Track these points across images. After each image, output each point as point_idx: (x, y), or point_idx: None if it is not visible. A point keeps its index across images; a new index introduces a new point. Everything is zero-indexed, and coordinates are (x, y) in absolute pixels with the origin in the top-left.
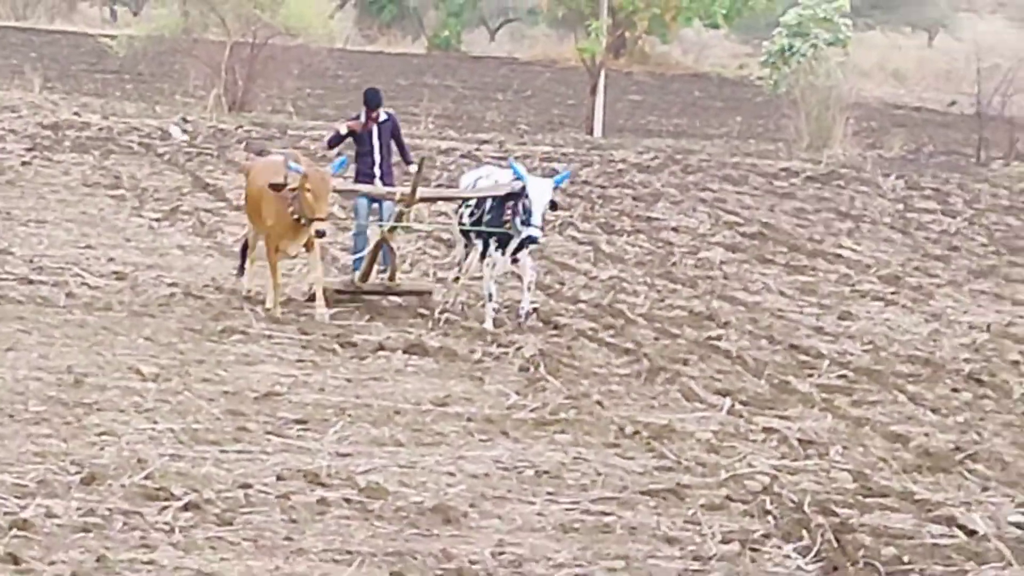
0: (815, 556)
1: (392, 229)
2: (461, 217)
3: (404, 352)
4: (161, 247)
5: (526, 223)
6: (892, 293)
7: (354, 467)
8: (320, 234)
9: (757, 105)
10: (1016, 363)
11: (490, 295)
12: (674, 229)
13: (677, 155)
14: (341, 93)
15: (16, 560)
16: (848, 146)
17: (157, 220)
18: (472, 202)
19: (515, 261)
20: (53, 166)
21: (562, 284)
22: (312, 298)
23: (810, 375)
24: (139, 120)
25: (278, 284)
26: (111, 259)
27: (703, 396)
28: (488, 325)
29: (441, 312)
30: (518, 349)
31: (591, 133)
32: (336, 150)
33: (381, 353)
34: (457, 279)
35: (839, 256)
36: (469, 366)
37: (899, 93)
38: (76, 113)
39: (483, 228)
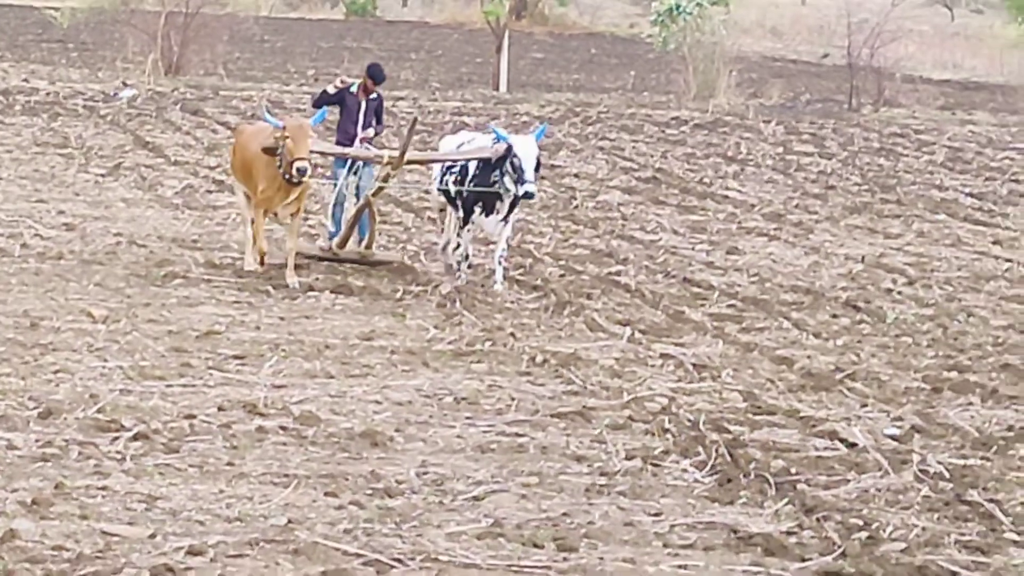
0: (710, 469)
1: (376, 192)
2: (446, 184)
3: (331, 292)
4: (106, 200)
5: (520, 181)
6: (775, 229)
7: (289, 398)
8: (301, 171)
9: (648, 61)
10: (889, 291)
11: (466, 256)
12: (575, 175)
13: (576, 108)
14: (268, 56)
15: None
16: (732, 96)
17: (102, 176)
18: (455, 168)
19: (505, 222)
20: (5, 128)
21: None
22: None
23: (702, 305)
24: (83, 85)
25: (259, 245)
26: (61, 212)
27: (605, 326)
28: (460, 282)
29: (449, 286)
30: (436, 287)
31: (497, 89)
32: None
33: (311, 293)
34: (452, 246)
35: (726, 197)
36: (391, 303)
37: (777, 47)
38: (25, 80)
39: (477, 188)
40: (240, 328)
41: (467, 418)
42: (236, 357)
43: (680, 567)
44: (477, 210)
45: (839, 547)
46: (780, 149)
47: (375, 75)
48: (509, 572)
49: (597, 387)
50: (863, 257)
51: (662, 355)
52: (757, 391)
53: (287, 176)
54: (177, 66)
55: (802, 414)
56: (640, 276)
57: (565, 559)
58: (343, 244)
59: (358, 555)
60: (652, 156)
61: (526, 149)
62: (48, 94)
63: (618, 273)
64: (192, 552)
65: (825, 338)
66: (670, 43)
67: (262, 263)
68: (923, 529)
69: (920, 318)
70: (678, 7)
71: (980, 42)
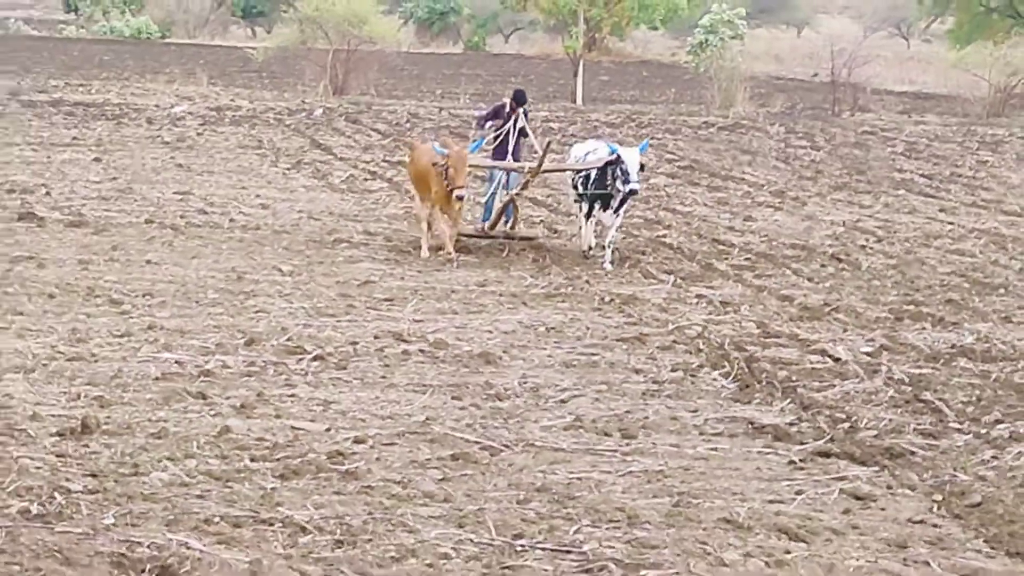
0: (733, 378)
1: (519, 192)
2: (576, 183)
3: (456, 251)
4: (291, 187)
5: (626, 181)
6: (779, 202)
7: (425, 328)
8: (460, 198)
9: (685, 81)
10: (863, 247)
11: (590, 247)
12: None
13: (633, 115)
14: (406, 81)
15: (204, 396)
16: (746, 106)
17: (288, 169)
18: (582, 172)
19: (616, 214)
20: (217, 135)
21: (558, 203)
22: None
23: (726, 258)
24: (274, 103)
25: (435, 234)
26: (258, 196)
27: (656, 275)
28: (609, 263)
29: (585, 255)
30: (533, 246)
31: (575, 102)
32: (482, 130)
33: (440, 253)
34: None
35: (743, 179)
36: (499, 259)
37: (779, 69)
38: (231, 99)
39: (596, 192)
40: (389, 279)
41: (555, 342)
42: (387, 299)
43: (712, 449)
44: (597, 206)
45: (828, 434)
46: (782, 144)
47: (517, 98)
48: (587, 454)
49: (650, 319)
50: (844, 222)
51: (697, 295)
52: (767, 321)
53: (449, 188)
54: (341, 88)
55: (800, 337)
56: (680, 238)
57: (627, 444)
58: (493, 226)
59: (476, 442)
60: (688, 150)
61: (631, 157)
62: (248, 110)
63: (664, 236)
64: (357, 441)
65: (816, 281)
66: (701, 67)
67: (437, 250)
68: (890, 420)
69: (886, 266)
70: (707, 41)
71: (929, 64)
